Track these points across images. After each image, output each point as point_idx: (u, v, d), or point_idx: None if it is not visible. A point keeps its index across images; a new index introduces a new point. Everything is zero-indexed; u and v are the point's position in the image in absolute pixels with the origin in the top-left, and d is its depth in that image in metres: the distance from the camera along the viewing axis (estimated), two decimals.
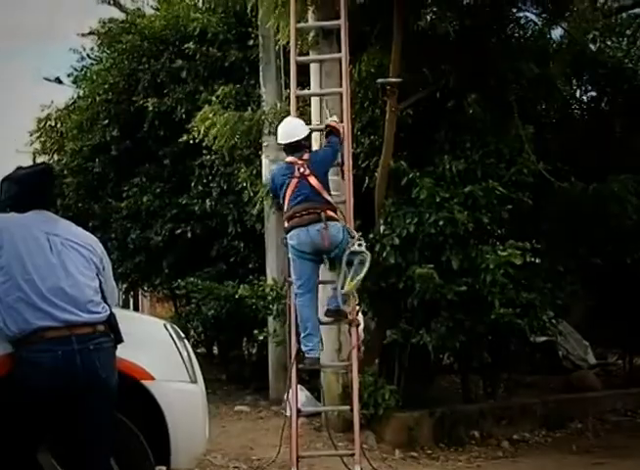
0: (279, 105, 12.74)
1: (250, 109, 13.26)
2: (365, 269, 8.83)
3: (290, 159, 9.07)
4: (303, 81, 11.31)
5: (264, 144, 13.07)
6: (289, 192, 8.88)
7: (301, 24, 10.79)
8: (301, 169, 8.86)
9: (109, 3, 18.15)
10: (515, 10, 11.66)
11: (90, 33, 17.79)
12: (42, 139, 18.45)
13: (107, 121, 16.55)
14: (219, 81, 15.08)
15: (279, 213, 11.14)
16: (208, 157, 14.78)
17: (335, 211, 8.93)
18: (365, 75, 11.48)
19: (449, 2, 10.62)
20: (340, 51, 10.12)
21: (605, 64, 13.75)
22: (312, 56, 11.16)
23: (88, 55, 18.48)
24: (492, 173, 11.17)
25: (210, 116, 12.42)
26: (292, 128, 9.26)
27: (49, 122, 18.26)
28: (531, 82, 11.76)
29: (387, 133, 10.76)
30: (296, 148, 9.09)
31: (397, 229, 10.72)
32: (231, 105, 13.77)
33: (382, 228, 10.83)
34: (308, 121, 10.48)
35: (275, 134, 11.39)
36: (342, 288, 8.90)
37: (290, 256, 9.03)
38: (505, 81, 11.51)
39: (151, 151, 16.20)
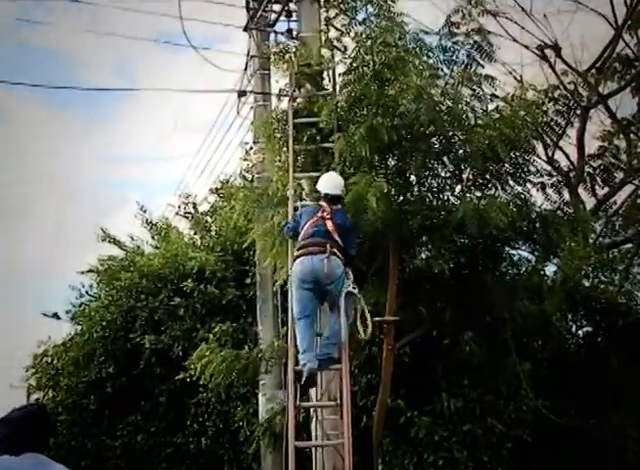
0: (276, 343, 12.76)
1: (246, 347, 13.30)
2: (355, 313, 9.64)
3: (322, 202, 9.90)
4: None
5: (261, 382, 13.02)
6: (308, 225, 9.75)
7: None
8: (324, 213, 9.74)
9: (108, 241, 18.45)
10: (508, 248, 11.85)
11: (89, 271, 18.04)
12: (38, 375, 18.36)
13: (103, 358, 16.52)
14: (217, 319, 15.19)
15: (275, 453, 10.99)
16: (205, 395, 14.72)
17: (340, 252, 9.53)
18: (361, 314, 11.56)
19: (444, 241, 10.80)
20: None
21: (599, 299, 13.89)
22: None
23: (87, 292, 18.67)
24: (491, 411, 11.12)
25: (207, 353, 12.41)
26: (338, 183, 10.08)
27: (45, 359, 18.23)
28: (527, 318, 11.84)
29: (384, 372, 10.73)
30: (331, 200, 9.89)
31: (396, 469, 10.57)
32: (228, 343, 13.81)
33: (380, 468, 10.65)
34: None
35: (271, 372, 11.42)
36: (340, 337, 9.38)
37: (291, 289, 9.65)
38: (500, 318, 11.58)
39: (147, 388, 16.10)
